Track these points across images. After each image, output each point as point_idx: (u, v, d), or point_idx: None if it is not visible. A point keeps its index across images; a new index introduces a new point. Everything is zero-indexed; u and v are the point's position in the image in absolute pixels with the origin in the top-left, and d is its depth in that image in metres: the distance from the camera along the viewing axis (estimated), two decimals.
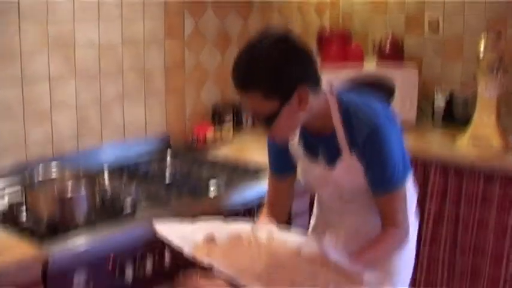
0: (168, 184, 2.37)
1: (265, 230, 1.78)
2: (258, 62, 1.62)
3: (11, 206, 2.08)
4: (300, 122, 1.75)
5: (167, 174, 2.47)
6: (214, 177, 2.44)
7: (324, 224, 2.07)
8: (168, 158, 2.77)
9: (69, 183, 2.08)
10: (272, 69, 1.61)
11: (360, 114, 1.75)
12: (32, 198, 1.93)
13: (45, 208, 1.89)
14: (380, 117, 1.75)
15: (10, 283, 1.66)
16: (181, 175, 2.47)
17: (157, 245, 2.01)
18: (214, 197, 2.24)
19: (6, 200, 2.16)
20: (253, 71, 1.62)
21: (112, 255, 1.91)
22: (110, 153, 2.68)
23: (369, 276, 1.62)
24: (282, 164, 1.97)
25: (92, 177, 1.99)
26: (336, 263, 1.63)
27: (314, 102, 1.69)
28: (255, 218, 2.29)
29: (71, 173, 2.12)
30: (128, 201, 2.13)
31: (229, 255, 1.66)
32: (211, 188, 2.30)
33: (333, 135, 1.78)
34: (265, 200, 2.03)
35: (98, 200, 1.98)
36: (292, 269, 1.64)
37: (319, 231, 2.08)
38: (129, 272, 1.93)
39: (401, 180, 1.81)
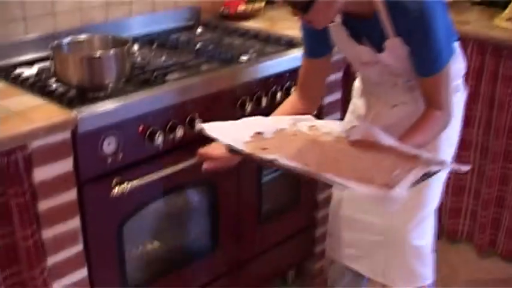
0: (198, 54, 2.32)
1: (306, 121, 1.79)
2: None
3: (39, 73, 2.07)
4: (338, 8, 1.69)
5: (197, 44, 2.41)
6: (245, 47, 2.39)
7: (367, 106, 2.06)
8: (199, 29, 2.70)
9: (99, 48, 2.04)
10: None
11: None
12: (60, 63, 1.88)
13: (74, 72, 1.85)
14: None
15: (40, 147, 1.66)
16: (211, 45, 2.41)
17: (188, 112, 2.00)
18: (245, 65, 2.18)
19: (35, 68, 2.14)
20: None
21: (142, 120, 1.89)
22: (139, 24, 2.60)
23: (427, 156, 1.58)
24: (317, 45, 1.94)
25: (122, 45, 1.93)
26: (391, 146, 1.59)
27: None
28: (287, 88, 2.28)
29: (100, 40, 2.08)
30: (158, 69, 2.10)
31: (282, 147, 1.63)
32: (243, 57, 2.24)
33: (376, 19, 1.72)
34: (298, 82, 2.00)
35: (127, 67, 1.93)
36: (352, 157, 1.60)
37: (361, 115, 2.08)
38: (159, 139, 1.91)
39: (446, 61, 1.76)
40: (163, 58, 2.27)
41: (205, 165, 1.85)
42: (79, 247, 1.83)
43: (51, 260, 1.77)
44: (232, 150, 1.67)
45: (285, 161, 1.53)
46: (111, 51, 1.88)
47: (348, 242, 2.23)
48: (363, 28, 1.80)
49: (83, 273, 1.86)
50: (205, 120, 2.01)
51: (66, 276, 1.82)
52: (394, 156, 1.56)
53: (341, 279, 2.39)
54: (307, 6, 1.61)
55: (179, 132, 1.97)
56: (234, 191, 2.30)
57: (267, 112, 2.23)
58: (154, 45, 2.44)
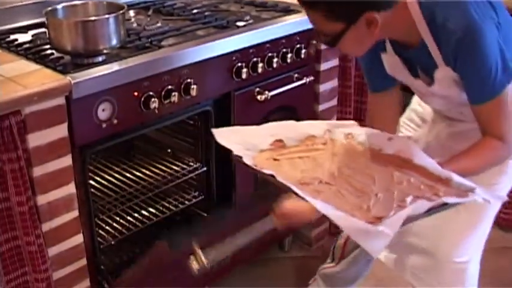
0: (194, 20, 2.30)
1: (346, 127, 1.68)
2: None
3: (34, 39, 2.05)
4: (372, 42, 1.56)
5: (193, 10, 2.40)
6: (241, 13, 2.37)
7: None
8: None
9: (93, 14, 2.02)
10: None
11: (447, 19, 1.50)
12: (54, 29, 1.86)
13: (69, 38, 1.82)
14: (470, 15, 1.48)
15: (34, 113, 1.65)
16: (207, 11, 2.39)
17: (184, 78, 1.99)
18: (241, 31, 2.16)
19: (30, 34, 2.12)
20: None
21: (137, 86, 1.88)
22: None
23: (458, 179, 1.45)
24: (379, 78, 1.79)
25: (117, 10, 1.91)
26: (423, 166, 1.50)
27: (391, 19, 1.49)
28: (283, 54, 2.26)
29: (95, 5, 2.06)
30: (153, 34, 2.08)
31: (295, 161, 1.55)
32: (239, 23, 2.22)
33: (424, 46, 1.57)
34: (367, 117, 1.89)
35: (122, 32, 1.92)
36: (365, 176, 1.49)
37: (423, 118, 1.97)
38: (154, 104, 1.91)
39: (503, 85, 1.55)
40: (158, 24, 2.25)
41: (278, 226, 1.58)
42: (75, 213, 1.83)
43: (47, 225, 1.77)
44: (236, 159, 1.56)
45: (281, 179, 1.43)
46: (106, 16, 1.86)
47: None
48: (414, 57, 1.65)
49: (79, 239, 1.87)
50: (199, 86, 2.01)
51: (63, 242, 1.83)
52: (415, 178, 1.45)
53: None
54: (335, 40, 1.51)
55: (174, 97, 1.96)
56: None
57: (262, 79, 2.23)
58: (150, 11, 2.42)
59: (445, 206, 1.39)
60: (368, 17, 1.46)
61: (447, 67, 1.56)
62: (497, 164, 1.67)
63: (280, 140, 1.62)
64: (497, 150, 1.59)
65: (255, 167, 1.50)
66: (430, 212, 1.37)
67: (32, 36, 2.10)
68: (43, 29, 1.99)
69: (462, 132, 1.75)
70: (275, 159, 1.56)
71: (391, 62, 1.71)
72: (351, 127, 1.68)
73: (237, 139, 1.60)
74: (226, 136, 1.62)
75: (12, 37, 2.07)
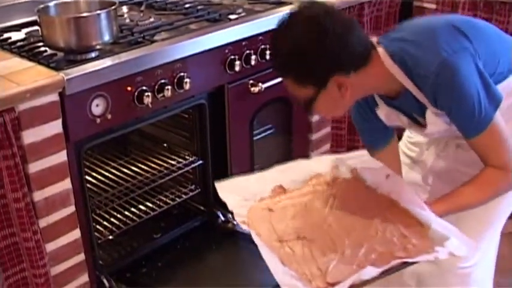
0: (187, 14, 2.31)
1: (354, 159, 1.70)
2: (286, 49, 1.46)
3: (27, 37, 2.06)
4: (350, 103, 1.58)
5: (186, 5, 2.40)
6: (234, 6, 2.38)
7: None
8: None
9: (85, 11, 2.02)
10: (301, 58, 1.44)
11: (417, 65, 1.49)
12: (47, 26, 1.87)
13: (61, 35, 1.83)
14: (439, 55, 1.46)
15: (28, 110, 1.67)
16: (200, 5, 2.40)
17: (177, 72, 2.00)
18: (234, 23, 2.17)
19: (23, 32, 2.13)
20: (282, 58, 1.48)
21: (130, 81, 1.89)
22: None
23: (436, 226, 1.46)
24: (373, 136, 1.78)
25: (110, 6, 1.91)
26: (407, 208, 1.53)
27: (367, 77, 1.51)
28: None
29: (87, 2, 2.06)
30: (146, 29, 2.09)
31: (287, 209, 1.59)
32: (231, 16, 2.22)
33: (409, 92, 1.55)
34: None
35: (115, 28, 1.92)
36: (349, 214, 1.56)
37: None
38: (148, 99, 1.91)
39: (490, 114, 1.50)
40: (151, 19, 2.26)
41: None
42: (71, 208, 1.84)
43: (44, 221, 1.78)
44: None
45: (257, 239, 1.48)
46: (97, 12, 1.87)
47: None
48: (404, 105, 1.63)
49: (76, 234, 1.88)
50: (193, 80, 2.02)
51: (60, 238, 1.84)
52: (392, 228, 1.50)
53: None
54: (308, 104, 1.52)
55: (168, 92, 1.97)
56: (225, 151, 2.31)
57: (256, 71, 2.24)
58: (143, 7, 2.43)
59: (407, 264, 1.40)
60: (336, 81, 1.47)
61: (433, 108, 1.55)
62: (500, 195, 1.61)
63: (281, 186, 1.66)
64: (499, 182, 1.56)
65: (242, 224, 1.55)
66: (389, 271, 1.38)
67: (26, 34, 2.11)
68: (36, 27, 2.00)
69: (470, 154, 1.66)
70: (270, 209, 1.60)
71: (386, 115, 1.69)
72: (358, 158, 1.71)
73: (239, 189, 1.64)
74: (228, 188, 1.65)
75: (5, 35, 2.07)
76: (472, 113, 1.49)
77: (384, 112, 1.68)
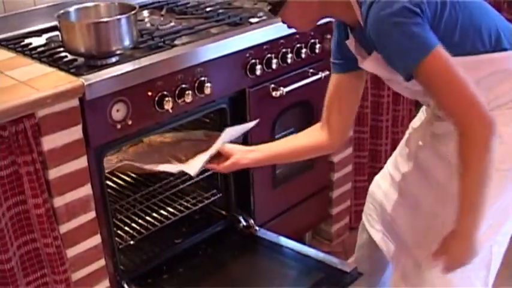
0: (208, 18, 2.29)
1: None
2: None
3: (48, 43, 2.06)
4: (315, 16, 1.60)
5: (207, 8, 2.39)
6: (254, 10, 2.36)
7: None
8: None
9: (105, 15, 2.02)
10: None
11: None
12: (67, 31, 1.86)
13: (81, 40, 1.82)
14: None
15: (48, 115, 1.66)
16: (221, 9, 2.39)
17: (198, 76, 1.99)
18: (255, 27, 2.15)
19: (44, 38, 2.13)
20: None
21: (150, 86, 1.88)
22: None
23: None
24: (347, 58, 1.72)
25: (129, 11, 1.91)
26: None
27: None
28: (297, 50, 2.24)
29: (107, 7, 2.06)
30: (167, 34, 2.08)
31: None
32: (252, 19, 2.21)
33: (361, 26, 1.53)
34: (324, 106, 1.83)
35: (135, 33, 1.91)
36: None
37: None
38: (168, 104, 1.90)
39: (431, 44, 1.41)
40: (172, 23, 2.25)
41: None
42: (92, 214, 1.83)
43: (65, 227, 1.78)
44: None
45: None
46: (118, 17, 1.87)
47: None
48: (359, 38, 1.61)
49: (96, 239, 1.87)
50: (214, 84, 2.02)
51: (81, 243, 1.84)
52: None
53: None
54: (276, 7, 1.54)
55: (188, 96, 1.96)
56: None
57: (277, 75, 2.23)
58: (164, 11, 2.42)
59: None
60: None
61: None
62: (493, 148, 1.42)
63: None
64: (477, 138, 1.40)
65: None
66: None
67: (46, 39, 2.11)
68: (57, 32, 2.00)
69: (445, 133, 1.66)
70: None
71: (351, 45, 1.66)
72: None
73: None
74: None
75: (26, 41, 2.08)
76: (400, 50, 1.43)
77: (351, 43, 1.65)
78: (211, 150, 1.94)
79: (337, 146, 1.87)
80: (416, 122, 1.88)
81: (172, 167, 2.00)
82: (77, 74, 1.75)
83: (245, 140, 2.20)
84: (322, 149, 1.88)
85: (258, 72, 2.15)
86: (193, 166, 1.94)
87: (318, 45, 2.33)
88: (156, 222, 2.27)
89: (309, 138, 1.87)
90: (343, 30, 1.68)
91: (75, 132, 1.73)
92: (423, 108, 1.85)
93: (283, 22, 1.65)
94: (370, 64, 1.60)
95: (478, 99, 1.40)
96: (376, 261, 2.11)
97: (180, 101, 1.95)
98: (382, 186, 1.98)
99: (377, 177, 2.04)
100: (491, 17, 1.61)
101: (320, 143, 1.84)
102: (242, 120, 2.20)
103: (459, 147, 1.44)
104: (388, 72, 1.57)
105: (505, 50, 1.57)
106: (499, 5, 2.64)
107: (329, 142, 1.83)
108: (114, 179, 2.47)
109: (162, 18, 2.34)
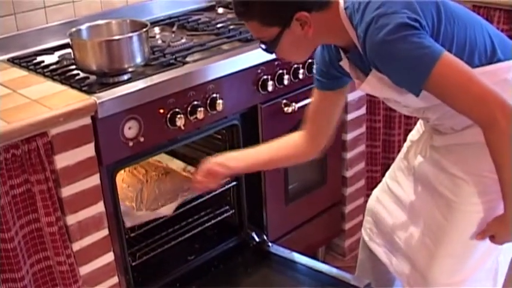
0: (219, 34, 2.30)
1: None
2: None
3: (60, 60, 2.07)
4: (310, 46, 1.61)
5: (218, 25, 2.40)
6: None
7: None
8: (219, 10, 2.68)
9: (117, 33, 2.03)
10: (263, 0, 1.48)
11: (360, 21, 1.47)
12: (79, 49, 1.87)
13: (93, 58, 1.84)
14: (373, 12, 1.43)
15: (60, 134, 1.67)
16: (232, 25, 2.39)
17: (210, 93, 1.99)
18: None
19: (56, 56, 2.14)
20: (245, 3, 1.51)
21: (162, 103, 1.88)
22: (159, 7, 2.59)
23: None
24: (331, 77, 1.73)
25: (140, 28, 1.91)
26: None
27: (325, 21, 1.51)
28: (309, 65, 2.24)
29: (118, 24, 2.07)
30: (178, 51, 2.09)
31: None
32: None
33: (357, 49, 1.53)
34: (306, 117, 1.83)
35: (147, 50, 1.92)
36: None
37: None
38: (180, 121, 1.91)
39: (437, 52, 1.40)
40: (183, 40, 2.26)
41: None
42: (104, 232, 1.84)
43: (78, 245, 1.78)
44: None
45: None
46: (129, 35, 1.87)
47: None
48: (353, 60, 1.61)
49: (109, 257, 1.87)
50: (225, 101, 2.01)
51: (94, 261, 1.84)
52: None
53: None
54: (272, 45, 1.54)
55: (200, 113, 1.96)
56: (259, 172, 2.29)
57: (289, 91, 2.22)
58: (175, 28, 2.43)
59: None
60: (299, 17, 1.49)
61: (375, 69, 1.52)
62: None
63: None
64: (501, 126, 1.40)
65: None
66: None
67: (59, 57, 2.12)
68: (69, 50, 2.01)
69: (444, 146, 1.68)
70: None
71: (346, 65, 1.66)
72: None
73: None
74: None
75: (39, 59, 2.09)
76: (409, 64, 1.41)
77: (345, 64, 1.65)
78: None
79: (314, 156, 1.87)
80: (414, 135, 1.88)
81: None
82: (89, 92, 1.75)
83: None
84: (299, 158, 1.88)
85: (270, 88, 2.15)
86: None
87: None
88: (169, 239, 2.26)
89: (288, 148, 1.86)
90: (334, 52, 1.67)
91: (88, 150, 1.74)
92: (421, 121, 1.84)
93: (280, 59, 1.65)
94: (369, 86, 1.60)
95: (492, 91, 1.42)
96: (380, 275, 2.11)
97: (192, 117, 1.96)
98: (382, 200, 1.98)
99: (375, 191, 2.04)
100: (484, 28, 1.61)
101: (299, 152, 1.85)
102: (254, 136, 2.20)
103: (488, 143, 1.46)
104: (386, 91, 1.58)
105: (500, 60, 1.57)
106: (510, 17, 2.63)
107: (307, 151, 1.84)
108: None
109: (173, 35, 2.34)
